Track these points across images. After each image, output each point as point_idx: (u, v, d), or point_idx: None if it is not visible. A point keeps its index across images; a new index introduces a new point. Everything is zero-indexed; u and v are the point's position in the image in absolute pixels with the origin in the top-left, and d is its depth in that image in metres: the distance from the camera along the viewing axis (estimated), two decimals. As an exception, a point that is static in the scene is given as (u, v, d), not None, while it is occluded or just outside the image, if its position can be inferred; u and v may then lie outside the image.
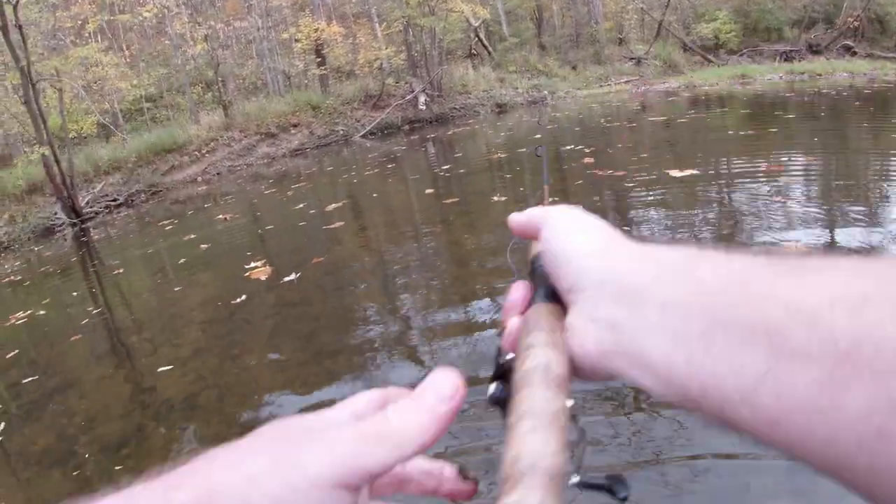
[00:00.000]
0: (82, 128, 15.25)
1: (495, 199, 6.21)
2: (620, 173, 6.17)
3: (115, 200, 12.30)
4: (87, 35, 18.07)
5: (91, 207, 11.85)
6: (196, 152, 14.49)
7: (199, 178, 13.55)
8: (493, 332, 3.10)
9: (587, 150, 7.85)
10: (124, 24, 21.20)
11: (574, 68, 20.28)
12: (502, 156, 8.86)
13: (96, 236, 9.70)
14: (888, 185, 4.91)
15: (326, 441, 0.34)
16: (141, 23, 20.69)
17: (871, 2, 20.39)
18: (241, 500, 0.30)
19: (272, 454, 0.33)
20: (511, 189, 6.80)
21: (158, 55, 22.43)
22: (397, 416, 0.35)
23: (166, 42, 20.64)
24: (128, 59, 20.59)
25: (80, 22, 18.82)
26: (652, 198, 5.27)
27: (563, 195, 5.73)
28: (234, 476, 0.32)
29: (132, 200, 12.37)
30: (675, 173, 5.76)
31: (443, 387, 0.36)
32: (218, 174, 13.72)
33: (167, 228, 8.28)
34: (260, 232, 7.09)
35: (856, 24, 20.81)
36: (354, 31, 21.79)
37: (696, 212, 4.79)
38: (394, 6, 18.91)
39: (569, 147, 8.60)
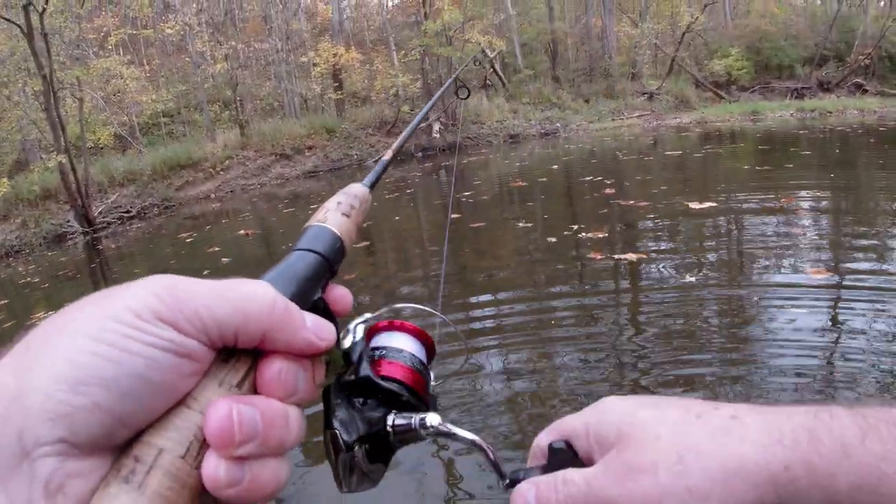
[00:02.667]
0: (100, 138, 15.36)
1: (521, 224, 6.24)
2: (643, 203, 6.21)
3: (128, 212, 12.32)
4: (109, 48, 18.28)
5: (104, 218, 11.87)
6: (211, 169, 14.58)
7: (213, 195, 13.61)
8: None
9: (607, 181, 7.92)
10: (146, 40, 21.49)
11: (587, 101, 20.51)
12: (523, 184, 8.92)
13: (112, 245, 9.71)
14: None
15: (152, 280, 0.31)
16: (162, 39, 20.99)
17: (883, 39, 20.66)
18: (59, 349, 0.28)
19: (92, 301, 0.31)
20: (534, 216, 6.84)
21: (178, 72, 22.71)
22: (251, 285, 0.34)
23: (186, 59, 20.90)
24: (148, 74, 20.82)
25: (102, 34, 19.08)
26: (676, 227, 5.38)
27: (594, 221, 5.76)
28: (52, 326, 0.29)
29: (145, 213, 12.40)
30: (695, 205, 5.82)
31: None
32: (231, 192, 13.78)
33: (188, 241, 8.29)
34: (284, 248, 7.09)
35: (867, 61, 21.08)
36: (372, 58, 22.08)
37: (716, 242, 4.92)
38: (412, 35, 19.22)
39: (588, 178, 8.67)
